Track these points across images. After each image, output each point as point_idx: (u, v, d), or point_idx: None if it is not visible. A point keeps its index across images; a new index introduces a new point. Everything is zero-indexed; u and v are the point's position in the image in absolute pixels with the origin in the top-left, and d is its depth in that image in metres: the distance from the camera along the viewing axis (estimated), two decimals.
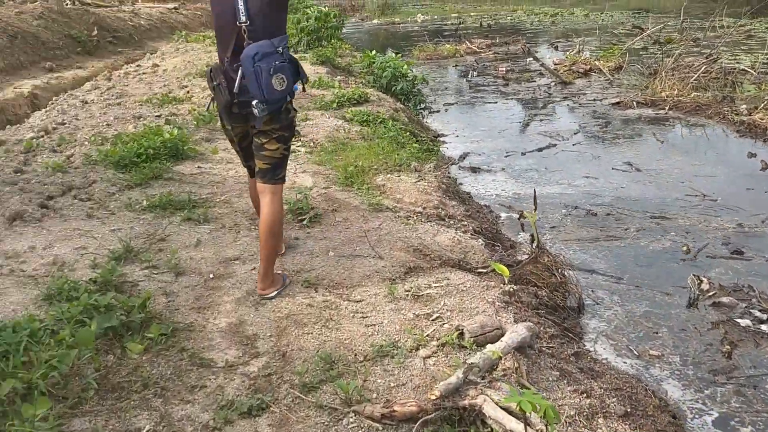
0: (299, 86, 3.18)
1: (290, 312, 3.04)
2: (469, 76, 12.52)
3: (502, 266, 3.27)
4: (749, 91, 8.97)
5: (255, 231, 4.04)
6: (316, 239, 3.90)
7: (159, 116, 6.95)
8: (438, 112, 9.40)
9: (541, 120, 8.59)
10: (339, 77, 9.45)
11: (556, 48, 15.79)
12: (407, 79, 8.95)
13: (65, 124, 6.73)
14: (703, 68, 9.84)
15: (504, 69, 12.79)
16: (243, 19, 2.87)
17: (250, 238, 3.96)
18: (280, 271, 3.42)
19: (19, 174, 5.08)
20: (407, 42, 21.20)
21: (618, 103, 9.41)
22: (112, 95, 8.29)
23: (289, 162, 5.59)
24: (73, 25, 16.23)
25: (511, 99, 10.05)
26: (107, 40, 17.24)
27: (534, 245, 3.93)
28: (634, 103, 9.33)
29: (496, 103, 9.86)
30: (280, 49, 2.89)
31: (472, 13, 31.15)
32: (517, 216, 4.44)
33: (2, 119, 10.03)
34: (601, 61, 12.04)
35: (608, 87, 10.59)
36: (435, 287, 3.26)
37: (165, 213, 4.32)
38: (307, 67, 9.58)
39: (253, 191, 3.47)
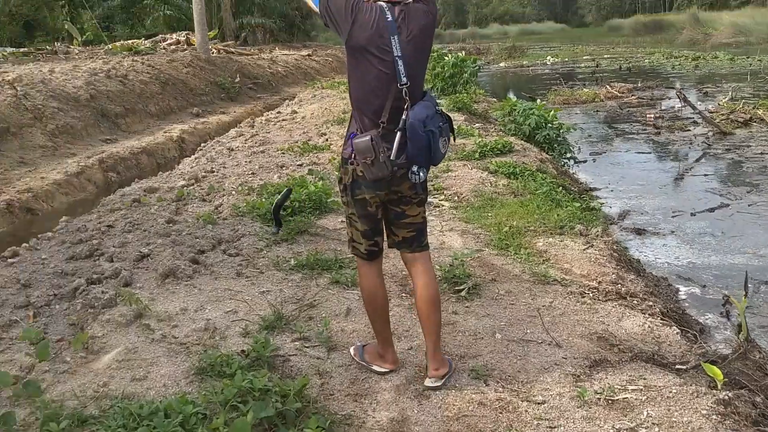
0: None
1: (460, 411, 2.63)
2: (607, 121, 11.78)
3: (716, 369, 2.70)
4: None
5: (407, 300, 3.71)
6: (478, 316, 3.48)
7: (300, 165, 6.92)
8: (585, 162, 8.78)
9: (705, 175, 7.75)
10: (477, 125, 9.12)
11: (705, 94, 14.62)
12: (552, 126, 8.43)
13: (214, 171, 6.84)
14: None
15: (652, 115, 11.93)
16: (404, 80, 2.60)
17: (402, 309, 3.61)
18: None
19: (171, 225, 5.10)
20: (537, 85, 20.63)
21: None
22: (256, 142, 8.44)
23: (434, 219, 5.28)
24: (219, 72, 17.19)
25: (666, 149, 9.24)
26: (248, 86, 18.13)
27: (742, 337, 3.28)
28: None
29: (650, 153, 9.10)
30: (438, 108, 2.67)
31: (605, 56, 30.06)
32: (722, 301, 3.82)
33: (152, 162, 10.59)
34: (762, 110, 10.86)
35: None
36: (631, 390, 2.73)
37: (312, 273, 4.09)
38: None
39: (373, 276, 2.91)
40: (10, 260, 4.56)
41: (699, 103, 13.09)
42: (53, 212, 8.03)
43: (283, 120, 10.45)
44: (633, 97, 14.95)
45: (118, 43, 19.71)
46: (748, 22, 31.36)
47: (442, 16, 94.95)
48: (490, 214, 5.28)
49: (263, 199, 5.38)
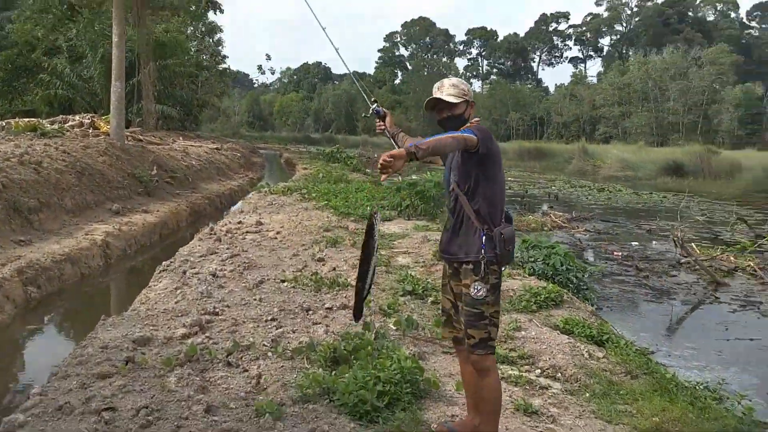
0: None
1: None
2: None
3: None
4: None
5: None
6: None
7: (330, 308, 5.43)
8: (601, 309, 7.92)
9: (752, 339, 7.11)
10: None
11: (648, 232, 14.76)
12: (578, 269, 7.59)
13: (218, 314, 5.17)
14: None
15: (619, 254, 11.59)
16: None
17: None
18: None
19: (212, 416, 3.43)
20: None
21: None
22: (240, 265, 6.82)
23: (555, 409, 4.03)
24: (135, 163, 15.29)
25: (674, 299, 8.64)
26: (165, 180, 16.27)
27: None
28: None
29: (662, 303, 8.45)
30: None
31: (509, 178, 30.95)
32: None
33: (77, 272, 8.52)
34: (747, 260, 10.78)
35: (767, 290, 9.25)
36: None
37: None
38: None
39: None
40: None
41: (654, 244, 13.10)
42: None
43: (250, 232, 8.84)
44: (580, 229, 14.81)
45: (17, 121, 17.15)
46: (633, 158, 33.99)
47: (333, 122, 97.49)
48: (628, 408, 4.11)
49: (346, 384, 3.83)
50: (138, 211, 12.48)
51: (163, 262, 7.13)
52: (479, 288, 3.25)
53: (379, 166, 2.80)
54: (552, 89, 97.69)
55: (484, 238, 3.24)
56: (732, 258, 10.83)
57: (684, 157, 32.71)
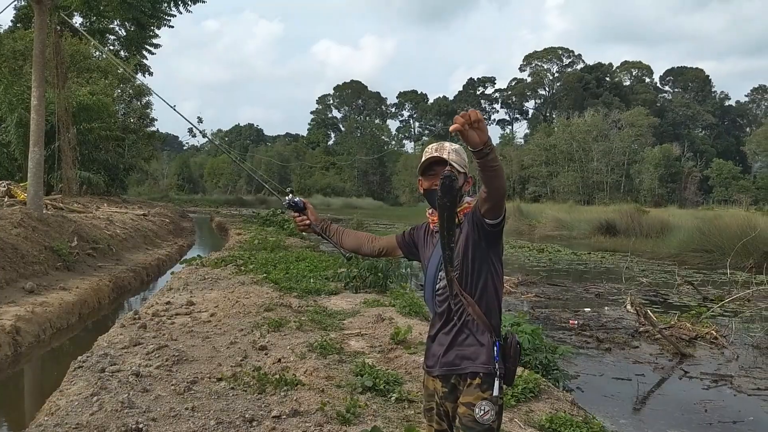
0: None
1: None
2: None
3: None
4: None
5: None
6: None
7: (278, 417, 4.55)
8: (571, 391, 7.31)
9: (734, 422, 6.61)
10: None
11: (597, 296, 14.53)
12: (547, 349, 6.98)
13: (142, 431, 4.20)
14: None
15: (575, 323, 11.17)
16: None
17: None
18: None
19: None
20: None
21: None
22: (169, 360, 5.84)
23: None
24: (53, 234, 13.99)
25: (641, 375, 8.11)
26: (86, 252, 14.96)
27: None
28: None
29: (630, 380, 7.91)
30: None
31: None
32: None
33: None
34: (693, 324, 10.55)
35: (733, 361, 8.91)
36: None
37: None
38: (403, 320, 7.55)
39: None
40: None
41: (607, 310, 12.78)
42: None
43: (180, 314, 7.85)
44: (530, 294, 14.42)
45: None
46: (567, 217, 34.54)
47: (266, 183, 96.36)
48: None
49: None
50: (55, 288, 11.21)
51: (79, 357, 6.05)
52: (486, 409, 2.56)
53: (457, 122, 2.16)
54: None
55: (496, 348, 2.60)
56: (689, 325, 10.54)
57: (615, 216, 33.47)
